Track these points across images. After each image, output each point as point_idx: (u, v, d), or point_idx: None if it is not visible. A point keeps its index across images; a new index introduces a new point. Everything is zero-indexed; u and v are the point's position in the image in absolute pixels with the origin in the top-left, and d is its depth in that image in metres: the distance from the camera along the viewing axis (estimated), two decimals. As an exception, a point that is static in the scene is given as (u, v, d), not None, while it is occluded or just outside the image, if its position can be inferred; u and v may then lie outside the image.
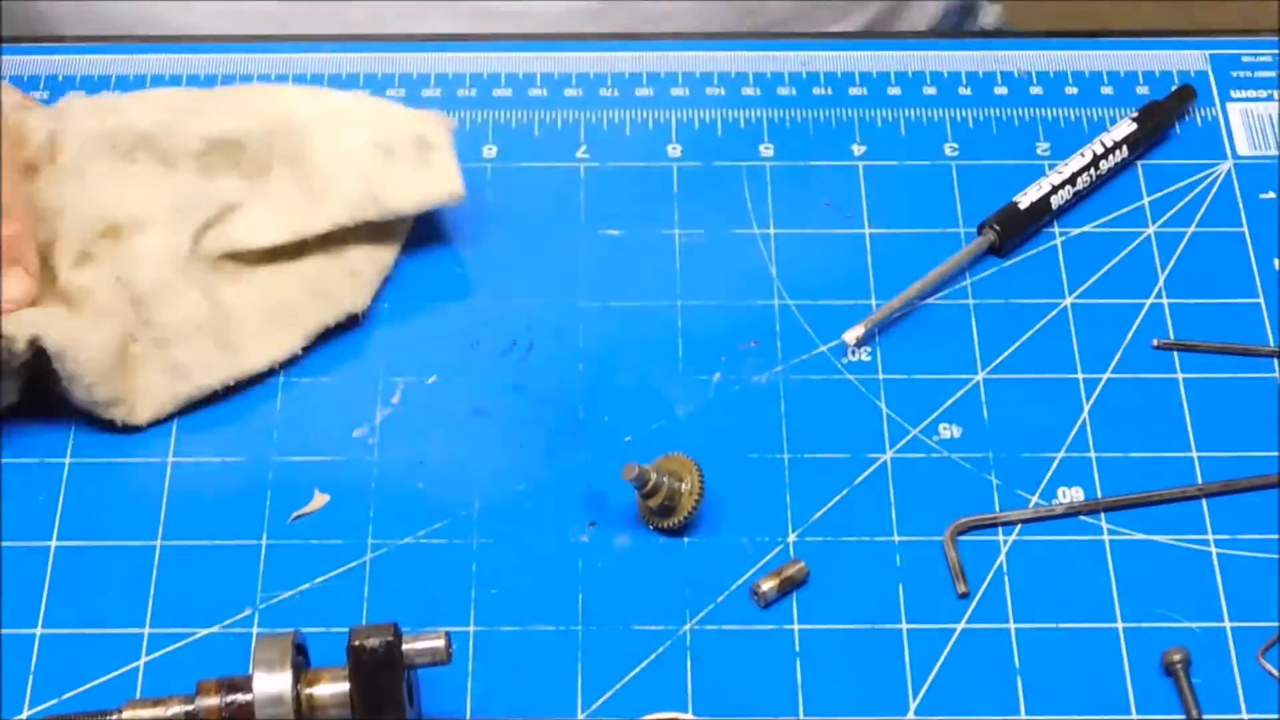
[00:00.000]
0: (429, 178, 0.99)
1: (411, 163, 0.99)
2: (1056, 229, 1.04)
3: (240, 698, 0.81)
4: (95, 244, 0.97)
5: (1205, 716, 0.86)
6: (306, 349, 0.98)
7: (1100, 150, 1.05)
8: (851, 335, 0.98)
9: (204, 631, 0.89)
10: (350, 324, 0.99)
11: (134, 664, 0.88)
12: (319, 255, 0.99)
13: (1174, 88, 1.09)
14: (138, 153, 1.00)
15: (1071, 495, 0.94)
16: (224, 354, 0.96)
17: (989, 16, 1.30)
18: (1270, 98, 1.09)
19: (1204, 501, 0.93)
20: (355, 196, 0.98)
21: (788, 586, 0.90)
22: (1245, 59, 1.11)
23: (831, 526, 0.93)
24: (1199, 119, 1.09)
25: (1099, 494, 0.94)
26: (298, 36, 1.15)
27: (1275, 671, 0.88)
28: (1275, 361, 0.98)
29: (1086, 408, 0.97)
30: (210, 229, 0.98)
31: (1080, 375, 0.98)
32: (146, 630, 0.89)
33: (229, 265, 0.99)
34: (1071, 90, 1.10)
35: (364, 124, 1.00)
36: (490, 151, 1.07)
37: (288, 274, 0.99)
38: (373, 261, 1.00)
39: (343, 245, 0.99)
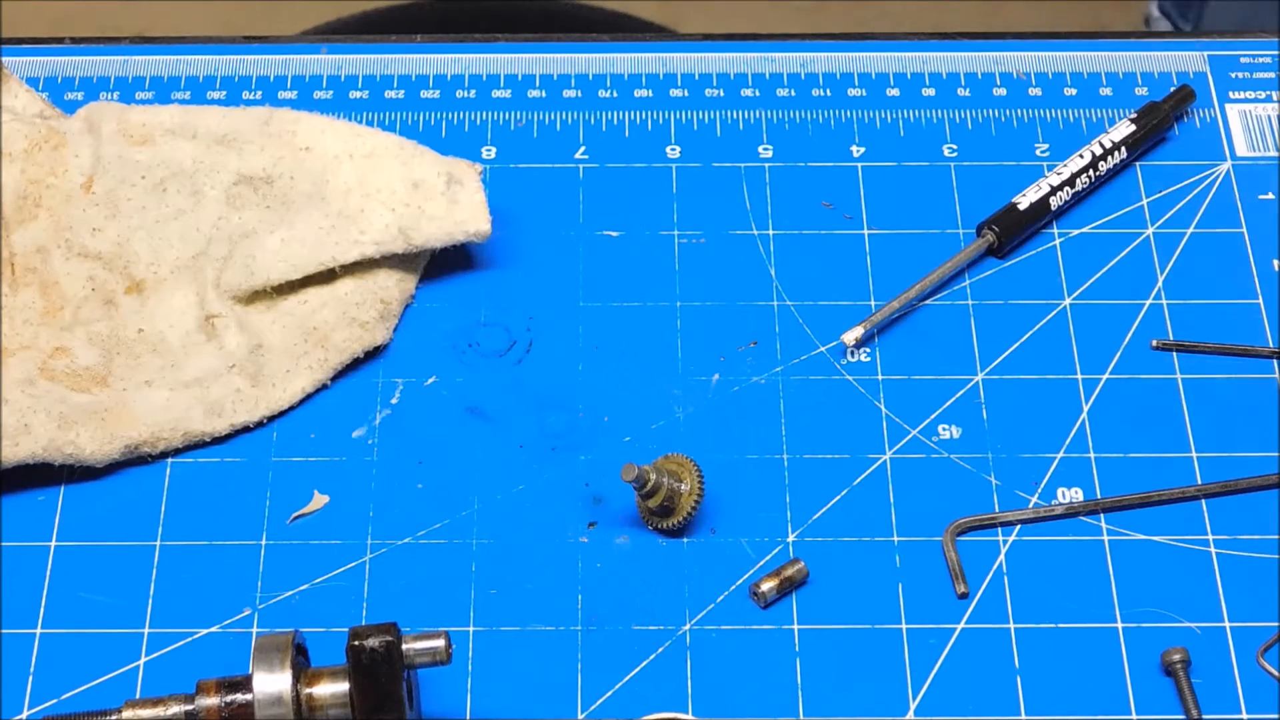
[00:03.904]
0: (456, 214, 0.99)
1: (440, 199, 0.99)
2: (1055, 230, 1.04)
3: (240, 697, 0.81)
4: (118, 296, 0.98)
5: (1205, 716, 0.86)
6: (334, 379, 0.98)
7: (1099, 151, 1.05)
8: (851, 336, 0.98)
9: (204, 631, 0.89)
10: (373, 354, 0.99)
11: (134, 664, 0.88)
12: (351, 279, 0.99)
13: (1173, 89, 1.09)
14: (169, 183, 1.01)
15: (1071, 495, 0.94)
16: (258, 389, 0.96)
17: None
18: (1269, 99, 1.10)
19: (1203, 502, 0.93)
20: (384, 230, 0.98)
21: (787, 586, 0.90)
22: (1244, 60, 1.11)
23: (831, 527, 0.93)
24: (1198, 120, 1.09)
25: (1099, 494, 0.94)
26: (296, 38, 1.15)
27: (1275, 671, 0.88)
28: (1274, 362, 0.98)
29: (1086, 408, 0.97)
30: (235, 262, 0.98)
31: (1079, 376, 0.98)
32: (146, 630, 0.89)
33: (262, 293, 0.99)
34: (1070, 91, 1.10)
35: (394, 160, 1.00)
36: (489, 153, 1.07)
37: (322, 296, 0.99)
38: (400, 290, 1.00)
39: (374, 269, 0.99)
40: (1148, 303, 1.01)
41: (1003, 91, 1.10)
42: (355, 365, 0.98)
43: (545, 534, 0.92)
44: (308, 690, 0.82)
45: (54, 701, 0.87)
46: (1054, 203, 1.03)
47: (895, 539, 0.92)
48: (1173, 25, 1.33)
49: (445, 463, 0.95)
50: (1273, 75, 1.11)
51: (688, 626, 0.90)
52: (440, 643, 0.81)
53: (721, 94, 1.10)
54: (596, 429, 0.96)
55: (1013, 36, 1.13)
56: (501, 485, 0.94)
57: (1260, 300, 1.01)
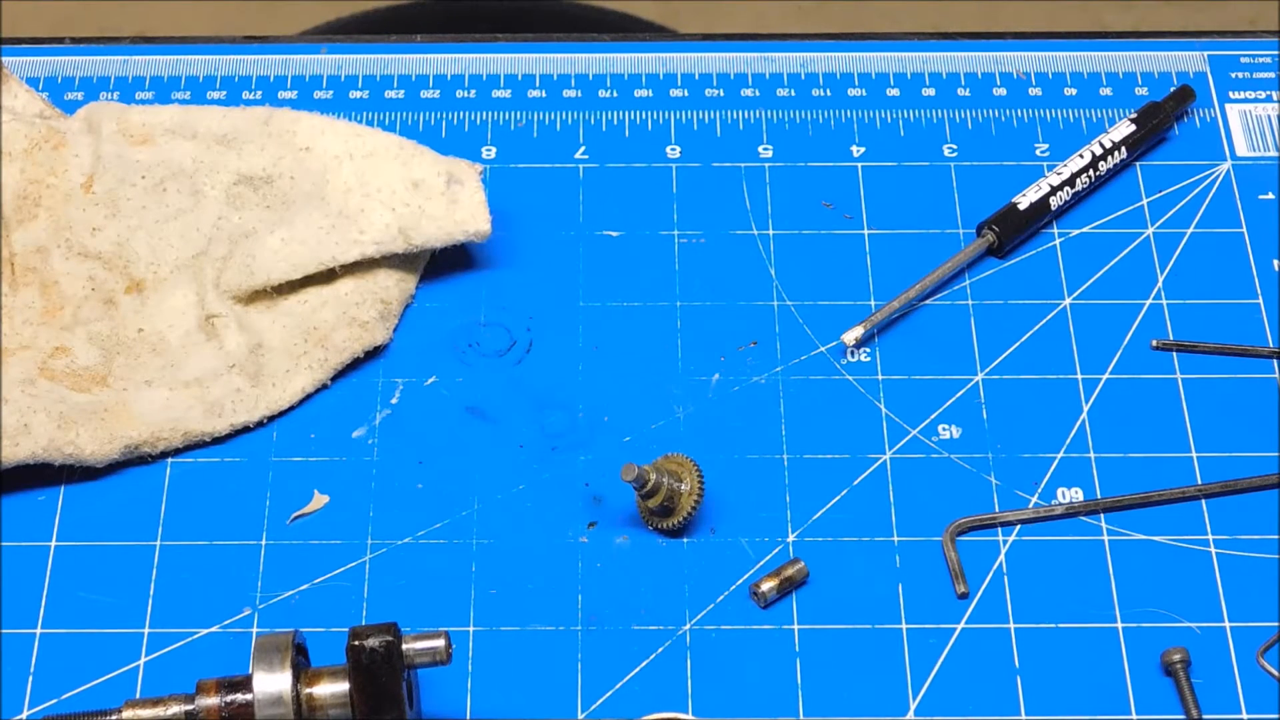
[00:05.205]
0: (456, 214, 0.99)
1: (440, 198, 0.99)
2: (1055, 230, 1.04)
3: (240, 697, 0.81)
4: (118, 296, 0.98)
5: (1205, 716, 0.86)
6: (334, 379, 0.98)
7: (1099, 151, 1.05)
8: (851, 336, 0.98)
9: (204, 631, 0.89)
10: (373, 354, 0.99)
11: (134, 664, 0.88)
12: (351, 279, 0.99)
13: (1173, 88, 1.09)
14: (169, 183, 1.01)
15: (1071, 495, 0.94)
16: (258, 389, 0.96)
17: None
18: (1269, 98, 1.10)
19: (1204, 501, 0.93)
20: (384, 230, 0.98)
21: (787, 586, 0.90)
22: (1244, 60, 1.11)
23: (831, 526, 0.93)
24: (1198, 120, 1.09)
25: (1099, 494, 0.94)
26: (296, 38, 1.15)
27: (1275, 671, 0.88)
28: (1274, 362, 0.98)
29: (1086, 408, 0.97)
30: (235, 262, 0.98)
31: (1079, 375, 0.98)
32: (146, 630, 0.89)
33: (262, 293, 0.99)
34: (1070, 91, 1.10)
35: (394, 160, 1.00)
36: (489, 152, 1.07)
37: (322, 296, 0.99)
38: (400, 290, 1.00)
39: (374, 269, 0.99)
40: (1148, 303, 1.01)
41: (1003, 91, 1.10)
42: (355, 365, 0.98)
43: (545, 534, 0.92)
44: (308, 690, 0.82)
45: (54, 701, 0.87)
46: (1054, 203, 1.03)
47: (895, 539, 0.92)
48: None
49: (445, 463, 0.95)
50: (1273, 75, 1.11)
51: (688, 626, 0.90)
52: (440, 643, 0.81)
53: (721, 94, 1.10)
54: (596, 429, 0.96)
55: (1013, 36, 1.13)
56: (501, 485, 0.94)
57: (1260, 300, 1.01)
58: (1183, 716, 0.87)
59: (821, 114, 1.09)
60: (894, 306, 0.99)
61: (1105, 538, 0.92)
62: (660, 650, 0.89)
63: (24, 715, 0.87)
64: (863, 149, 1.07)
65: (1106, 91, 1.10)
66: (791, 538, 0.92)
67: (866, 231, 1.04)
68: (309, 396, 0.97)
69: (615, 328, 1.00)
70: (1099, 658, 0.88)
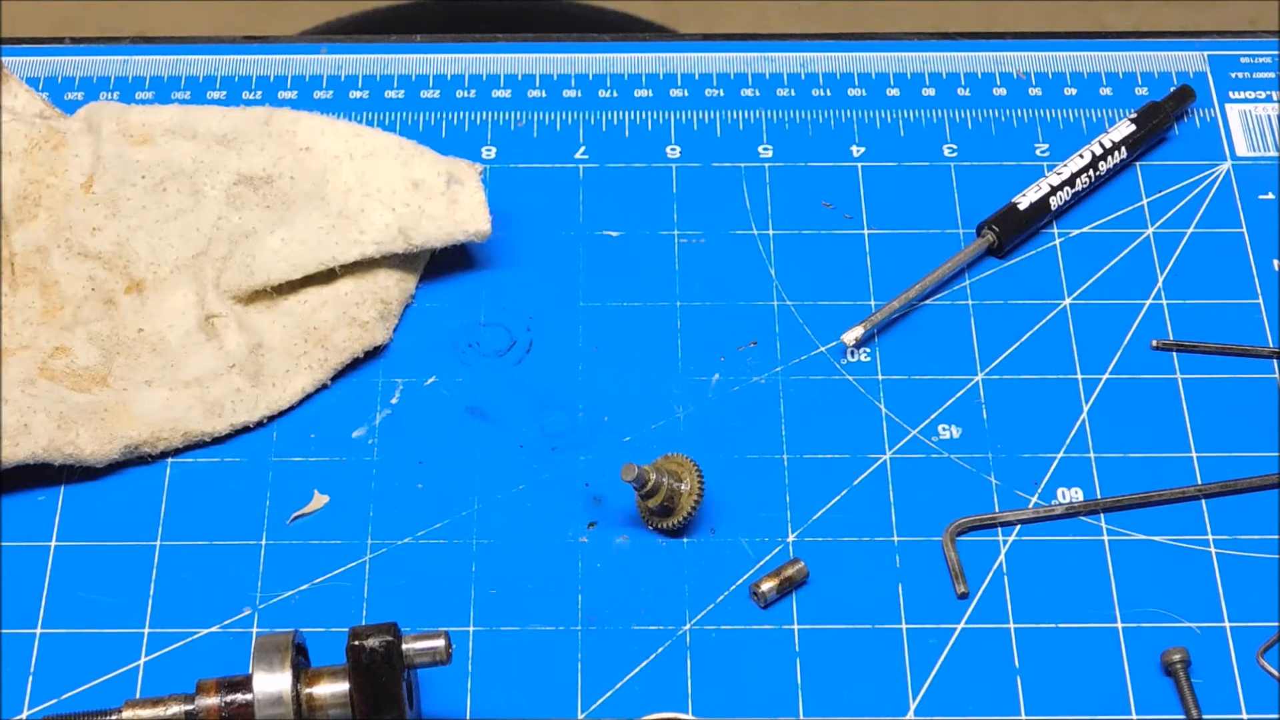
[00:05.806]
0: (456, 214, 0.99)
1: (440, 198, 0.99)
2: (1055, 230, 1.04)
3: (240, 697, 0.81)
4: (118, 296, 0.98)
5: (1205, 716, 0.86)
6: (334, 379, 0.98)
7: (1099, 151, 1.05)
8: (850, 336, 0.98)
9: (204, 631, 0.89)
10: (373, 354, 0.99)
11: (134, 664, 0.88)
12: (351, 279, 0.99)
13: (1173, 88, 1.09)
14: (169, 183, 1.01)
15: (1071, 495, 0.94)
16: (258, 389, 0.96)
17: None
18: (1269, 98, 1.10)
19: (1203, 502, 0.93)
20: (384, 230, 0.98)
21: (787, 586, 0.90)
22: (1244, 60, 1.11)
23: (831, 526, 0.93)
24: (1198, 120, 1.09)
25: (1098, 494, 0.94)
26: (296, 38, 1.15)
27: (1275, 671, 0.88)
28: (1274, 362, 0.98)
29: (1086, 408, 0.97)
30: (235, 262, 0.98)
31: (1079, 376, 0.98)
32: (146, 630, 0.89)
33: (262, 292, 0.99)
34: (1070, 91, 1.10)
35: (394, 160, 1.00)
36: (489, 153, 1.07)
37: (322, 296, 0.99)
38: (400, 290, 1.00)
39: (374, 269, 0.99)
40: (1148, 303, 1.01)
41: (1003, 91, 1.10)
42: (355, 365, 0.98)
43: (545, 534, 0.92)
44: (308, 690, 0.82)
45: (54, 701, 0.87)
46: (1054, 203, 1.03)
47: (895, 539, 0.92)
48: None
49: (445, 463, 0.95)
50: (1273, 75, 1.11)
51: (688, 626, 0.90)
52: (440, 643, 0.81)
53: (721, 94, 1.10)
54: (596, 429, 0.96)
55: (1013, 36, 1.13)
56: (501, 485, 0.94)
57: (1260, 300, 1.01)
58: (1183, 716, 0.87)
59: (821, 114, 1.09)
60: (894, 306, 0.99)
61: (1105, 538, 0.92)
62: (660, 650, 0.89)
63: (24, 715, 0.87)
64: (863, 149, 1.07)
65: (1106, 91, 1.10)
66: (791, 538, 0.92)
67: (866, 231, 1.04)
68: (309, 396, 0.97)
69: (615, 328, 1.00)
70: (1099, 658, 0.89)
